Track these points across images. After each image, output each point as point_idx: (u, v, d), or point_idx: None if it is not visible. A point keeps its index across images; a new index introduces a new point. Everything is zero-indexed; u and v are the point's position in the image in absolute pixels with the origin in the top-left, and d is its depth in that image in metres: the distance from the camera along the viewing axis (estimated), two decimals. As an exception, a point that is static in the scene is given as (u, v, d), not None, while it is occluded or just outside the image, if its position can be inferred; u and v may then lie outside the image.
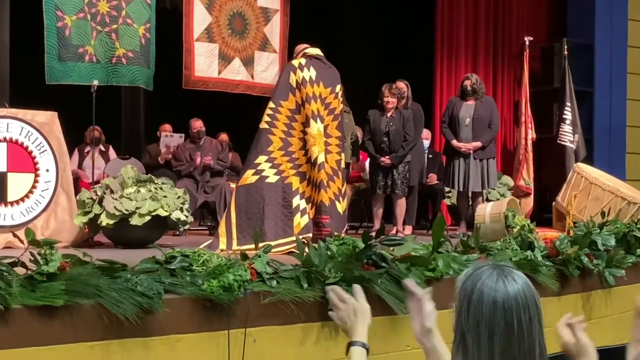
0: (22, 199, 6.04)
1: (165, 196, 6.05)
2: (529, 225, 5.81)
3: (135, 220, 5.86)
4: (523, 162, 10.04)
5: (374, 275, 4.18)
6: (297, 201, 5.90)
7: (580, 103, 10.44)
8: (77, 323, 3.35)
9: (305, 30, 8.61)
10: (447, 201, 9.46)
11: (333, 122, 6.13)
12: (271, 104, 5.96)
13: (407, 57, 10.43)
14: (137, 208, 5.88)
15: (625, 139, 10.92)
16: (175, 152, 8.47)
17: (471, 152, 7.97)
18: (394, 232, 7.54)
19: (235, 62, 8.95)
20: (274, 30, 9.23)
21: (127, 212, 5.86)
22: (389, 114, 7.75)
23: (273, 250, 4.74)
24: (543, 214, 9.37)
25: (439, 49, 10.59)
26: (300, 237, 5.21)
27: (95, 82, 7.55)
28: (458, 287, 2.03)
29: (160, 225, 6.13)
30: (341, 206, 6.03)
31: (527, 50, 10.39)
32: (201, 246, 4.59)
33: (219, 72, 8.85)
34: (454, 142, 8.04)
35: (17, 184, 6.03)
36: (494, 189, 8.89)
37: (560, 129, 10.24)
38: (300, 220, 5.86)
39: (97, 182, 6.99)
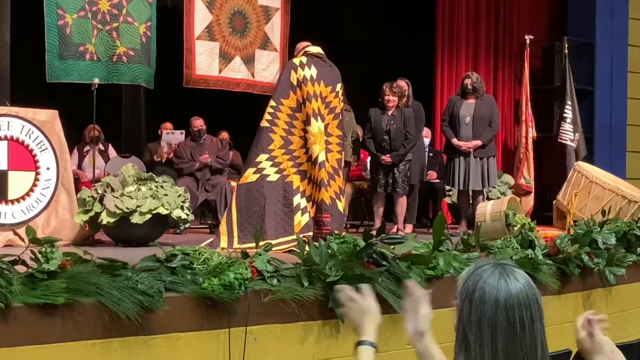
0: (22, 197, 6.04)
1: (166, 194, 6.05)
2: (529, 223, 5.82)
3: (135, 219, 5.86)
4: (524, 160, 10.04)
5: (374, 274, 4.19)
6: (297, 200, 5.90)
7: (581, 101, 10.44)
8: (78, 321, 3.35)
9: (306, 28, 8.59)
10: (447, 200, 9.46)
11: (334, 121, 6.13)
12: (272, 103, 5.95)
13: (408, 55, 10.42)
14: (138, 206, 5.88)
15: (626, 138, 10.92)
16: (176, 151, 8.47)
17: (471, 150, 7.98)
18: (394, 230, 7.54)
19: (236, 60, 8.95)
20: (275, 29, 9.22)
21: (128, 211, 5.86)
22: (390, 113, 7.75)
23: (274, 248, 4.74)
24: (544, 213, 9.36)
25: (439, 48, 10.58)
26: (301, 235, 5.22)
27: (96, 81, 7.54)
28: (460, 286, 2.03)
29: (161, 223, 6.13)
30: (341, 205, 6.03)
31: (528, 48, 10.38)
32: (202, 244, 4.59)
33: (220, 71, 8.85)
34: (455, 140, 8.04)
35: (17, 182, 6.03)
36: (494, 187, 8.89)
37: (561, 128, 10.24)
38: (301, 219, 5.86)
39: (98, 180, 6.98)
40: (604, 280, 5.66)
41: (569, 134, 10.20)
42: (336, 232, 5.47)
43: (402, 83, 8.12)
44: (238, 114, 9.18)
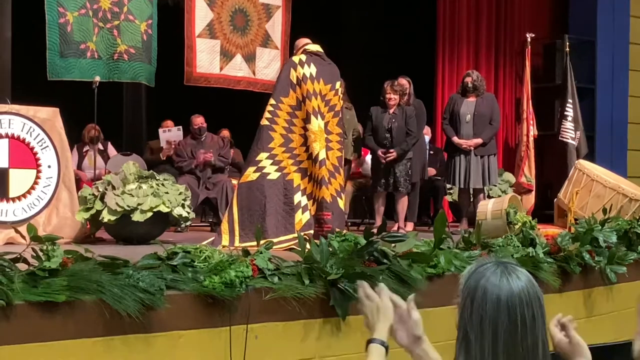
0: (23, 195, 6.04)
1: (167, 192, 6.05)
2: (530, 222, 5.82)
3: (136, 217, 5.86)
4: (524, 158, 10.04)
5: (375, 272, 4.19)
6: (298, 198, 5.90)
7: (582, 100, 10.43)
8: (79, 319, 3.35)
9: (307, 26, 8.59)
10: (448, 198, 9.46)
11: (333, 119, 6.13)
12: (272, 101, 5.96)
13: (409, 53, 10.42)
14: (139, 204, 5.88)
15: (627, 136, 10.92)
16: (177, 149, 8.46)
17: (472, 148, 7.98)
18: (395, 228, 7.53)
19: (237, 58, 8.94)
20: (276, 27, 9.22)
21: (129, 208, 5.86)
22: (391, 111, 7.74)
23: (274, 247, 4.75)
24: (544, 211, 9.36)
25: (440, 46, 10.58)
26: (302, 233, 5.22)
27: (97, 78, 7.55)
28: (461, 284, 2.03)
29: (162, 221, 6.13)
30: (342, 202, 6.04)
31: (529, 46, 10.38)
32: (203, 243, 4.60)
33: (221, 69, 8.85)
34: (455, 138, 8.04)
35: (18, 180, 6.03)
36: (495, 185, 8.89)
37: (562, 126, 10.24)
38: (302, 217, 5.86)
39: (99, 178, 6.98)
40: (604, 278, 5.66)
41: (570, 132, 10.20)
42: (337, 230, 5.47)
43: (404, 81, 8.11)
44: (239, 112, 9.17)
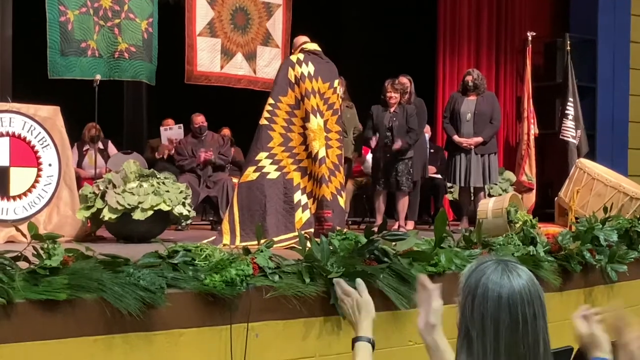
0: (24, 194, 6.04)
1: (168, 191, 6.06)
2: (531, 220, 5.81)
3: (137, 215, 5.86)
4: (525, 157, 10.03)
5: (376, 270, 4.19)
6: (298, 196, 5.90)
7: (583, 98, 10.43)
8: (80, 317, 3.35)
9: (308, 25, 8.59)
10: (449, 196, 9.46)
11: (333, 117, 6.13)
12: (270, 100, 5.96)
13: (410, 52, 10.42)
14: (140, 203, 5.88)
15: (628, 135, 10.92)
16: (178, 147, 8.47)
17: (472, 147, 7.98)
18: (396, 227, 7.53)
19: (238, 57, 8.94)
20: (277, 25, 9.22)
21: (130, 207, 5.86)
22: (392, 110, 7.75)
23: (275, 245, 4.75)
24: (545, 210, 9.36)
25: (441, 44, 10.58)
26: (303, 232, 5.22)
27: (98, 77, 7.55)
28: (462, 282, 2.03)
29: (163, 219, 6.13)
30: (343, 200, 6.04)
31: (530, 45, 10.37)
32: (204, 241, 4.60)
33: (221, 67, 8.85)
34: (456, 137, 8.04)
35: (19, 178, 6.04)
36: (495, 184, 8.89)
37: (563, 125, 10.24)
38: (302, 216, 5.86)
39: (99, 177, 6.99)
40: (605, 277, 5.66)
41: (571, 131, 10.19)
42: (338, 228, 5.47)
43: (404, 80, 8.11)
44: (239, 111, 9.17)
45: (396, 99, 7.75)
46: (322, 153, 5.87)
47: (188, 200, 6.26)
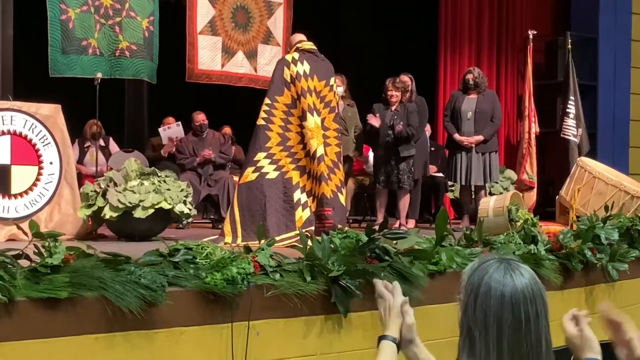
0: (25, 192, 6.05)
1: (169, 189, 6.06)
2: (532, 219, 5.81)
3: (138, 213, 5.87)
4: (526, 156, 10.03)
5: (377, 269, 4.18)
6: (298, 195, 5.90)
7: (584, 97, 10.42)
8: (81, 315, 3.35)
9: (309, 23, 8.59)
10: (450, 195, 9.46)
11: (330, 115, 6.14)
12: (267, 100, 5.97)
13: (411, 50, 10.42)
14: (141, 201, 5.89)
15: (629, 133, 10.92)
16: (179, 146, 8.47)
17: (473, 145, 7.98)
18: (397, 225, 7.54)
19: (239, 55, 8.94)
20: (278, 24, 9.21)
21: (131, 205, 5.87)
22: (393, 108, 7.75)
23: (276, 244, 4.75)
24: (546, 208, 9.36)
25: (442, 43, 10.58)
26: (303, 230, 5.23)
27: (99, 75, 7.55)
28: (464, 281, 2.03)
29: (164, 218, 6.13)
30: (343, 198, 6.04)
31: (531, 43, 10.37)
32: (205, 239, 4.60)
33: (222, 65, 8.84)
34: (456, 135, 8.04)
35: (20, 176, 6.04)
36: (496, 182, 8.89)
37: (564, 123, 10.23)
38: (302, 214, 5.86)
39: (100, 175, 6.99)
40: (606, 275, 5.66)
41: (572, 130, 10.19)
42: (339, 226, 5.48)
43: (406, 78, 8.11)
44: (240, 109, 9.17)
45: (397, 97, 7.75)
46: (320, 151, 5.88)
47: (189, 199, 6.26)
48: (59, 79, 7.70)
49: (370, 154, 8.63)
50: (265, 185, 5.83)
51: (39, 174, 6.11)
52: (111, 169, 7.40)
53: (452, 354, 2.16)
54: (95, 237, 6.17)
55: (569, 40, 10.45)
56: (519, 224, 5.90)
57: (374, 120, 7.62)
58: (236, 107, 9.50)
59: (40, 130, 6.11)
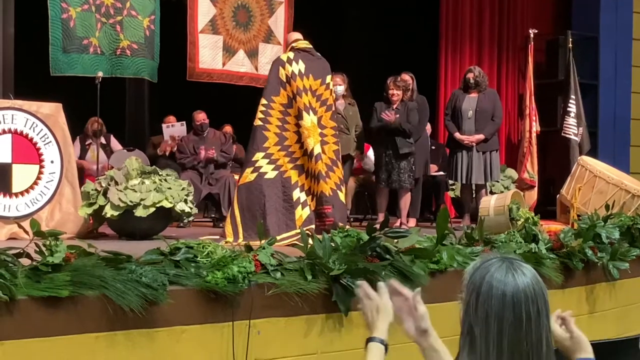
0: (26, 190, 6.05)
1: (170, 188, 6.06)
2: (533, 217, 5.81)
3: (139, 212, 5.87)
4: (527, 154, 10.03)
5: (378, 268, 4.19)
6: (297, 194, 5.92)
7: (585, 96, 10.42)
8: (82, 314, 3.36)
9: (309, 22, 8.59)
10: (450, 194, 9.46)
11: (326, 113, 6.15)
12: (263, 101, 5.98)
13: (411, 50, 10.41)
14: (142, 200, 5.89)
15: (630, 132, 10.91)
16: (179, 145, 8.47)
17: (474, 144, 7.98)
18: (397, 224, 7.54)
19: (240, 54, 8.94)
20: (279, 22, 9.21)
21: (132, 204, 5.87)
22: (394, 107, 7.75)
23: (277, 244, 4.75)
24: (547, 207, 9.36)
25: (443, 42, 10.57)
26: (304, 229, 5.23)
27: (100, 74, 7.55)
28: (466, 280, 2.03)
29: (165, 216, 6.14)
30: (343, 195, 6.05)
31: (532, 42, 10.36)
32: (205, 237, 4.60)
33: (223, 64, 8.84)
34: (457, 134, 8.04)
35: (22, 175, 6.04)
36: (497, 181, 8.89)
37: (565, 122, 10.23)
38: (302, 213, 5.87)
39: (102, 172, 6.99)
40: (607, 274, 5.66)
41: (573, 128, 10.18)
42: (340, 224, 5.49)
43: (407, 77, 8.11)
44: (241, 108, 9.15)
45: (398, 96, 7.75)
46: (317, 150, 5.89)
47: (190, 197, 6.26)
48: (60, 78, 7.70)
49: (370, 153, 8.63)
50: (265, 185, 5.85)
51: (40, 172, 6.11)
52: (112, 167, 7.41)
53: (452, 353, 2.16)
54: (96, 236, 6.17)
55: (570, 39, 10.44)
56: (519, 222, 5.90)
57: (389, 116, 7.62)
58: (237, 106, 9.50)
59: (42, 129, 6.11)
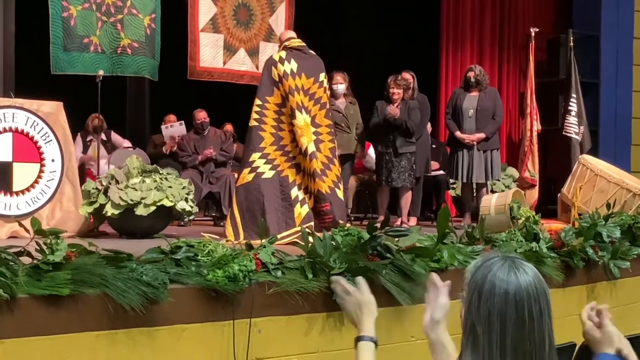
0: (27, 189, 6.05)
1: (170, 186, 6.06)
2: (534, 216, 5.81)
3: (140, 211, 5.87)
4: (528, 153, 10.02)
5: (378, 266, 4.19)
6: (295, 192, 5.92)
7: (586, 94, 10.42)
8: (83, 312, 3.36)
9: (310, 21, 8.59)
10: (451, 192, 9.45)
11: (320, 112, 6.14)
12: (257, 101, 5.99)
13: (412, 48, 10.41)
14: (142, 198, 5.89)
15: (631, 131, 10.90)
16: (180, 143, 8.47)
17: (475, 143, 7.97)
18: (398, 223, 7.54)
19: (240, 52, 8.94)
20: (279, 21, 9.21)
21: (132, 202, 5.87)
22: (395, 105, 7.74)
23: (277, 242, 4.75)
24: (548, 206, 9.36)
25: (444, 40, 10.57)
26: (304, 226, 5.23)
27: (101, 72, 7.54)
28: (467, 279, 2.02)
29: (165, 215, 6.14)
30: (341, 192, 6.05)
31: (533, 41, 10.35)
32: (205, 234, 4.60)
33: (224, 63, 8.84)
34: (458, 133, 8.04)
35: (22, 173, 6.04)
36: (498, 180, 8.88)
37: (566, 121, 10.22)
38: (301, 210, 5.88)
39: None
40: (608, 273, 5.66)
41: (574, 127, 10.18)
42: (340, 221, 5.49)
43: (407, 75, 8.11)
44: (242, 106, 9.13)
45: (399, 95, 7.75)
46: (311, 148, 5.89)
47: (191, 196, 6.26)
48: (60, 77, 7.70)
49: (371, 151, 8.62)
50: (262, 185, 5.86)
51: (41, 171, 6.12)
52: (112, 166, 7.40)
53: (454, 352, 2.16)
54: (97, 235, 6.17)
55: (571, 38, 10.44)
56: (520, 221, 5.90)
57: (393, 110, 7.61)
58: (237, 105, 9.47)
59: (42, 128, 6.11)
